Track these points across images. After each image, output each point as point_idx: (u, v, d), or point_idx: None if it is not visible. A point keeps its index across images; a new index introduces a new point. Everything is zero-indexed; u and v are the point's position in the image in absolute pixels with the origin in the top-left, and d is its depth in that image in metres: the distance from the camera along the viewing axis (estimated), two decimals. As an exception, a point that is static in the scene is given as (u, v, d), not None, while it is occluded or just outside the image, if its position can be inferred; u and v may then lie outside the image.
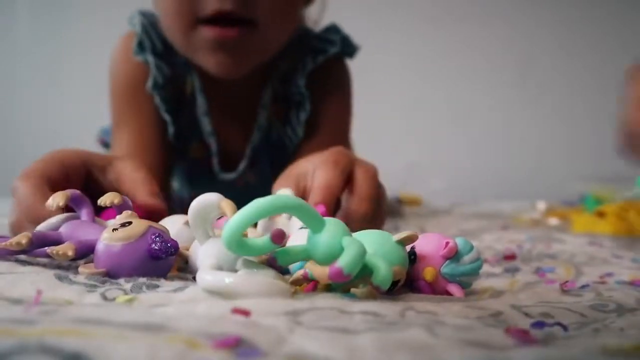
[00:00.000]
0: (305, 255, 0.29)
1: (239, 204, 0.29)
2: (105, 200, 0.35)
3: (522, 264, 0.45)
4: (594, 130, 1.43)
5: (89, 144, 0.77)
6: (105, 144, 0.81)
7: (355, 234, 0.30)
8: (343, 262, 0.26)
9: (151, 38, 0.64)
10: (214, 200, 0.31)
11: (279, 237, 0.27)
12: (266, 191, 0.45)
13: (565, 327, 0.25)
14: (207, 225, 0.32)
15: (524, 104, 1.48)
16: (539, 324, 0.26)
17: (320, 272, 0.27)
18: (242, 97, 0.68)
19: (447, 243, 0.32)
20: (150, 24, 0.65)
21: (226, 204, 0.30)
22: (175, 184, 0.74)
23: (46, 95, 1.50)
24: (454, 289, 0.32)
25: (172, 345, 0.19)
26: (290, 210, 0.27)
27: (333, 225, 0.28)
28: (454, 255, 0.32)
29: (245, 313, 0.23)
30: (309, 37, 0.69)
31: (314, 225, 0.28)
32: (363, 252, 0.27)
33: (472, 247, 0.32)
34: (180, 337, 0.20)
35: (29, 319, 0.23)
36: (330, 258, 0.27)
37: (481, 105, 1.48)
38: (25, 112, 1.52)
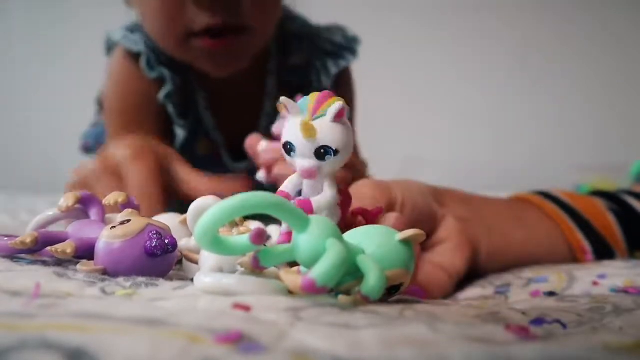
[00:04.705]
0: (289, 256, 0.27)
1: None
2: (109, 199, 0.35)
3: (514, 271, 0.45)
4: (592, 120, 1.44)
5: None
6: (88, 149, 0.81)
7: (354, 231, 0.29)
8: (316, 272, 0.23)
9: (155, 52, 0.65)
10: (211, 203, 0.31)
11: (259, 237, 0.24)
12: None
13: (564, 325, 0.25)
14: None
15: (522, 93, 1.49)
16: (538, 321, 0.26)
17: (292, 282, 0.24)
18: (244, 88, 0.70)
19: None
20: (150, 38, 0.65)
21: None
22: None
23: (40, 90, 1.50)
24: None
25: (174, 340, 0.19)
26: (270, 209, 0.25)
27: (318, 224, 0.26)
28: None
29: (246, 308, 0.23)
30: (320, 36, 0.71)
31: (298, 224, 0.26)
32: (342, 261, 0.24)
33: None
34: (181, 332, 0.20)
35: (28, 313, 0.23)
36: (313, 261, 0.25)
37: (477, 95, 1.49)
38: (19, 106, 1.52)
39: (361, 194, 0.39)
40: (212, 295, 0.26)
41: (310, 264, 0.25)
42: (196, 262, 0.33)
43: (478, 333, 0.21)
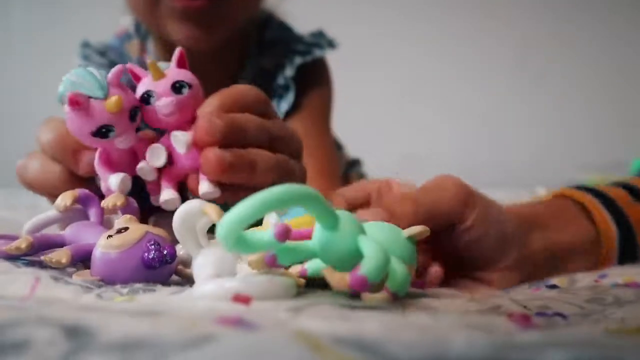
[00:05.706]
0: (311, 254, 0.26)
1: None
2: (108, 202, 0.34)
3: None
4: (592, 119, 1.44)
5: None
6: None
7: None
8: (367, 269, 0.23)
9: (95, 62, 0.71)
10: (197, 206, 0.29)
11: (284, 233, 0.23)
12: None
13: (565, 317, 0.25)
14: (196, 234, 0.29)
15: (522, 91, 1.49)
16: (540, 314, 0.26)
17: (338, 279, 0.24)
18: (214, 86, 0.70)
19: None
20: (88, 54, 0.72)
21: (210, 208, 0.28)
22: None
23: (40, 90, 1.50)
24: None
25: (175, 321, 0.19)
26: (302, 202, 0.23)
27: (348, 221, 0.25)
28: None
29: (246, 300, 0.23)
30: (296, 40, 0.72)
31: (327, 221, 0.25)
32: (387, 257, 0.24)
33: None
34: (181, 317, 0.20)
35: (25, 307, 0.23)
36: (345, 261, 0.25)
37: (478, 92, 1.48)
38: (19, 106, 1.52)
39: (443, 185, 0.37)
40: (211, 299, 0.26)
41: (340, 262, 0.25)
42: (188, 277, 0.32)
43: (481, 322, 0.21)
